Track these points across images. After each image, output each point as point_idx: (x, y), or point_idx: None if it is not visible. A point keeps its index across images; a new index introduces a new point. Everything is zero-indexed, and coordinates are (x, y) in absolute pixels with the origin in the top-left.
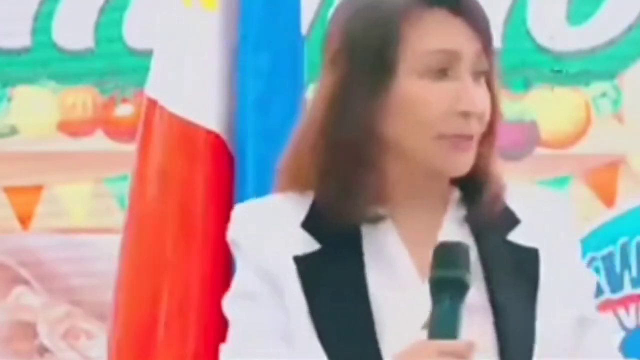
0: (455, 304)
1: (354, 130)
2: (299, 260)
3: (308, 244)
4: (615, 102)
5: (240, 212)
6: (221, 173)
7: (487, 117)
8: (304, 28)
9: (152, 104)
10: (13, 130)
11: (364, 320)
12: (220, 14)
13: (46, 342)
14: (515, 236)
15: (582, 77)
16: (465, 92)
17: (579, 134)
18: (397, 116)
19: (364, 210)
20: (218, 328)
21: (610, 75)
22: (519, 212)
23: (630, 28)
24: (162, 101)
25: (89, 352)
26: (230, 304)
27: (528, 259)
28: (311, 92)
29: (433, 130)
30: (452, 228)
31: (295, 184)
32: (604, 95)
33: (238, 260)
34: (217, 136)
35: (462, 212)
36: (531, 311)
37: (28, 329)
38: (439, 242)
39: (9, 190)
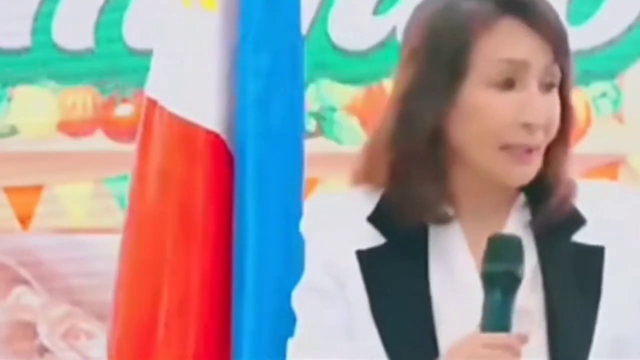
0: (506, 297)
1: (421, 131)
2: (362, 255)
3: (373, 238)
4: (615, 102)
5: (310, 206)
6: (221, 173)
7: (554, 128)
8: (304, 28)
9: (152, 104)
10: (13, 130)
11: (424, 318)
12: (220, 14)
13: (46, 342)
14: (581, 236)
15: (582, 77)
16: (530, 103)
17: (579, 134)
18: (463, 123)
19: (433, 210)
20: (218, 328)
21: (610, 75)
22: (585, 211)
23: (630, 28)
24: (162, 101)
25: (89, 352)
26: (298, 298)
27: (593, 258)
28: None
29: (497, 141)
30: (515, 233)
31: (368, 179)
32: (604, 95)
33: (308, 253)
34: (217, 136)
35: (527, 217)
36: (592, 316)
37: (28, 329)
38: (491, 234)
39: (9, 190)
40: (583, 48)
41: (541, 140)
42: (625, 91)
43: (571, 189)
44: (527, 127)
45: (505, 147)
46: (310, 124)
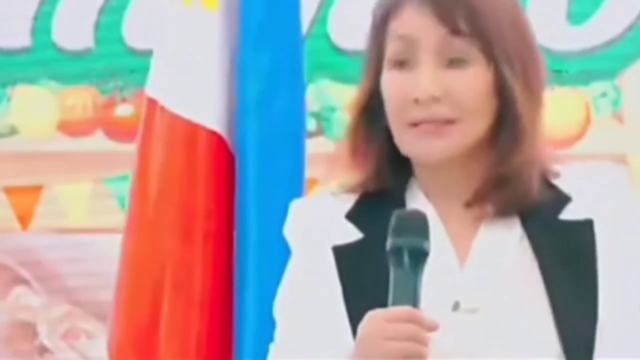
0: (413, 270)
1: (359, 114)
2: (338, 250)
3: (352, 234)
4: (615, 102)
5: (293, 208)
6: (222, 173)
7: (464, 100)
8: (304, 28)
9: (153, 103)
10: (13, 130)
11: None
12: (220, 14)
13: (46, 342)
14: (568, 214)
15: (582, 77)
16: (417, 79)
17: (579, 134)
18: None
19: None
20: (219, 328)
21: (610, 75)
22: (570, 189)
23: (630, 28)
24: (163, 101)
25: (89, 352)
26: (278, 302)
27: (583, 232)
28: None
29: (402, 119)
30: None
31: (343, 170)
32: (604, 95)
33: (292, 255)
34: (217, 136)
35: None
36: (592, 288)
37: (28, 329)
38: (396, 211)
39: (9, 190)
40: (583, 48)
41: (445, 113)
42: (625, 91)
43: (533, 170)
44: (417, 102)
45: (411, 125)
46: (310, 124)
